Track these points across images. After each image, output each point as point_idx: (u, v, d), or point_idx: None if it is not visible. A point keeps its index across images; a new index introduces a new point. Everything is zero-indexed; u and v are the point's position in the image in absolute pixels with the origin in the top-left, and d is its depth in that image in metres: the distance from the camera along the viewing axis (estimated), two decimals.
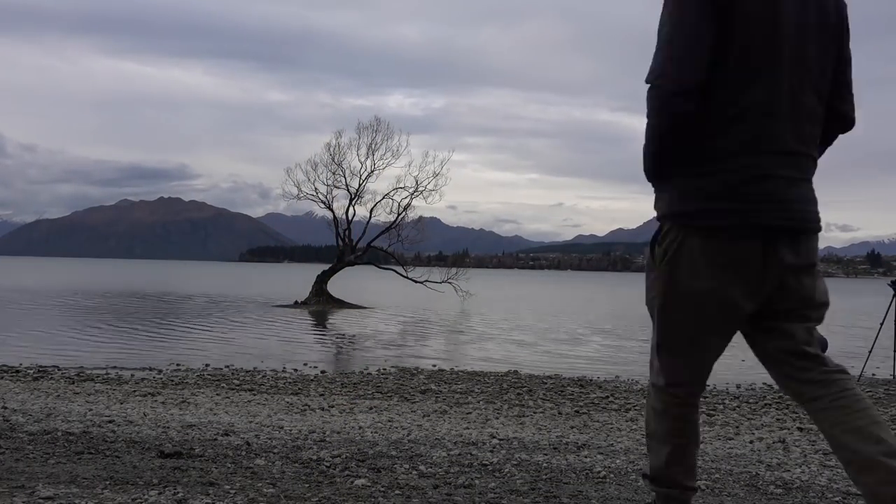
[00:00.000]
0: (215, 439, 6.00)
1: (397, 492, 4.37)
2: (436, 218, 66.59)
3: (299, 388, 10.95)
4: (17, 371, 12.10)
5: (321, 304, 34.19)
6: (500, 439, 6.53)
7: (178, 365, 13.74)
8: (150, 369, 13.05)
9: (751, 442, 6.82)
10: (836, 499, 4.73)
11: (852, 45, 2.58)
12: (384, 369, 13.78)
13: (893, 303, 11.41)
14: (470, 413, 8.64)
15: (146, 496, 3.97)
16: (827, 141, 2.64)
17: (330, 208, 37.17)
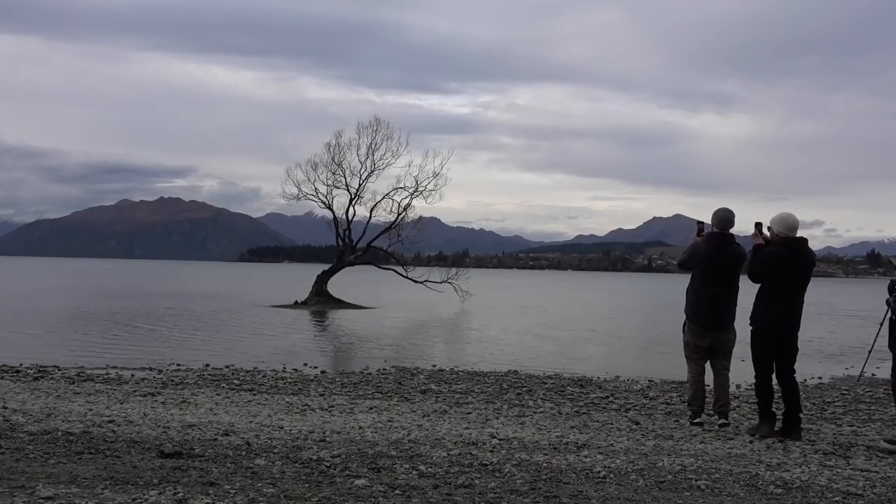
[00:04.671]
0: (215, 439, 6.00)
1: (397, 492, 4.37)
2: (436, 218, 66.35)
3: (299, 388, 10.94)
4: (17, 371, 12.09)
5: (321, 304, 34.15)
6: (500, 439, 6.53)
7: (178, 365, 13.74)
8: (150, 369, 13.05)
9: (751, 442, 6.82)
10: (836, 499, 4.73)
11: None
12: (384, 369, 13.77)
13: (889, 310, 11.38)
14: (470, 413, 8.64)
15: (146, 496, 3.98)
16: None
17: (330, 208, 37.09)
